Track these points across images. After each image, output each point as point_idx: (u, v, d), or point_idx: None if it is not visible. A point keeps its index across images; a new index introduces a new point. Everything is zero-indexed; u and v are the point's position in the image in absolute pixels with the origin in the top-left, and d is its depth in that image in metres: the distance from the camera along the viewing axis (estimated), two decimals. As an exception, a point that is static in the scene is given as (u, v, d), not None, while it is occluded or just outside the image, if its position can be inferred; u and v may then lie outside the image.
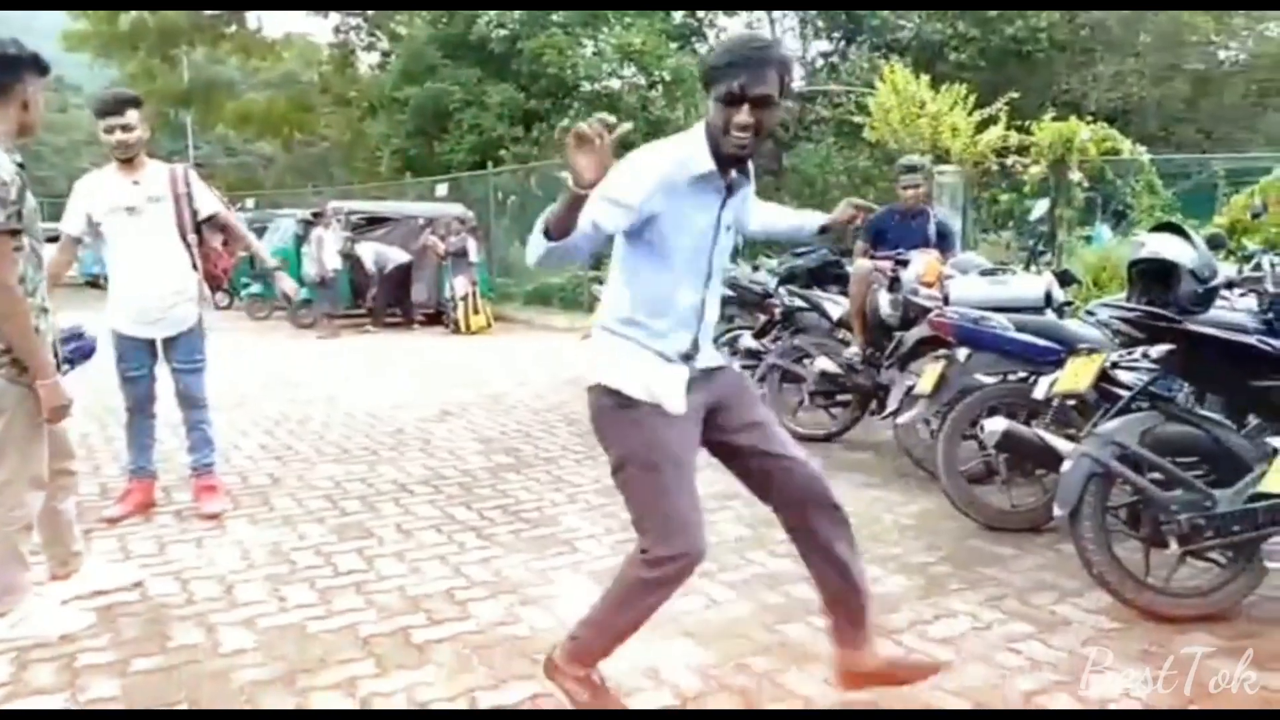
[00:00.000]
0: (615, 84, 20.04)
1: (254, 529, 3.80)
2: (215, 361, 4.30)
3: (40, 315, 2.67)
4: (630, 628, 2.24)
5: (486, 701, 2.40)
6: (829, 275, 5.86)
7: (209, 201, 3.95)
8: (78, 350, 3.34)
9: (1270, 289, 3.61)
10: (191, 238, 3.87)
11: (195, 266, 3.92)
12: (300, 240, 13.01)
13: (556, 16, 18.88)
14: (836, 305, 5.50)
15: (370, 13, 24.92)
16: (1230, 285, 3.63)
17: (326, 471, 4.73)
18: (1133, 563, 2.93)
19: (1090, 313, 3.87)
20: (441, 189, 16.33)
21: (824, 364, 5.21)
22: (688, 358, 2.14)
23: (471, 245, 12.26)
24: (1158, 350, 2.94)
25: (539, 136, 18.95)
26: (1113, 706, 2.37)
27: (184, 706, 2.37)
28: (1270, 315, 3.50)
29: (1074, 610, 2.97)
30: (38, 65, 2.66)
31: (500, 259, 15.15)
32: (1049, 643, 2.74)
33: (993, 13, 18.96)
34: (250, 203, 22.84)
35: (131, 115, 3.65)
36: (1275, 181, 6.94)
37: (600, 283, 10.06)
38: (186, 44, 26.71)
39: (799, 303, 5.72)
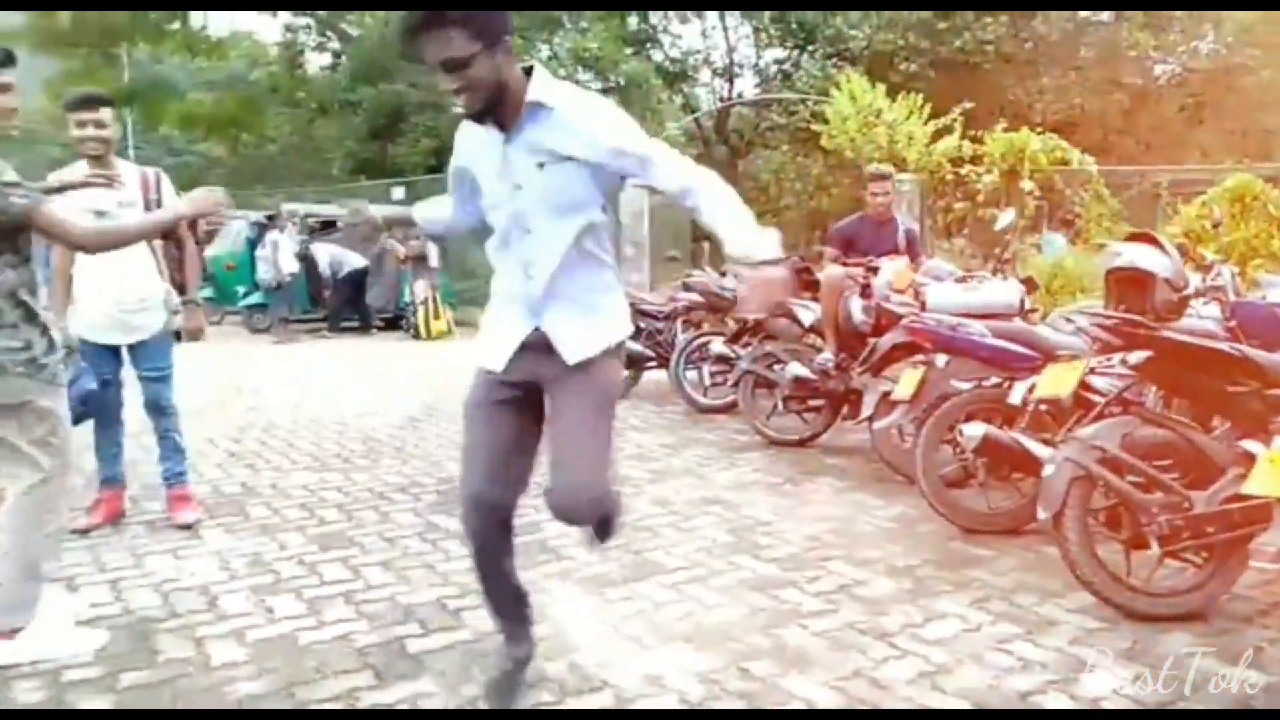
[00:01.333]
0: (571, 89, 20.01)
1: (232, 538, 3.72)
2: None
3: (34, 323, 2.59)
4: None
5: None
6: (801, 281, 5.92)
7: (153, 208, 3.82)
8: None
9: (1232, 298, 3.76)
10: (158, 243, 3.77)
11: (161, 272, 3.83)
12: (253, 244, 12.77)
13: (515, 20, 18.81)
14: (808, 311, 5.57)
15: (320, 12, 24.58)
16: (1195, 294, 3.77)
17: (300, 480, 4.65)
18: (1114, 564, 3.02)
19: (1068, 319, 3.98)
20: (398, 192, 16.13)
21: (797, 369, 5.27)
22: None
23: (431, 249, 12.13)
24: (1135, 357, 3.04)
25: (495, 140, 18.87)
26: (1105, 705, 2.45)
27: None
28: (1233, 323, 3.65)
29: (1058, 610, 3.05)
30: None
31: (460, 263, 15.02)
32: (1038, 642, 2.81)
33: (942, 24, 19.38)
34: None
35: (105, 113, 3.57)
36: (1224, 192, 7.21)
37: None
38: (128, 41, 26.01)
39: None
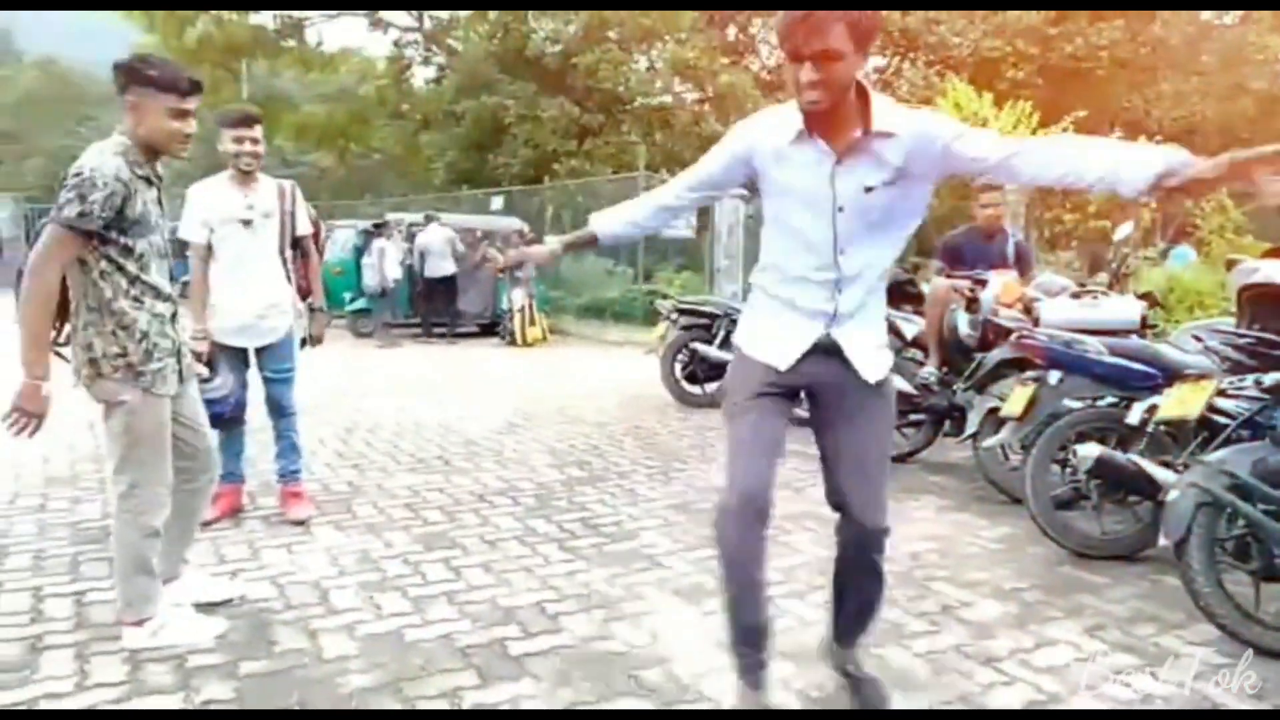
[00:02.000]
0: (668, 99, 20.16)
1: (341, 535, 3.86)
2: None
3: (163, 322, 2.74)
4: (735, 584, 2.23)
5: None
6: (903, 294, 5.80)
7: (304, 221, 4.09)
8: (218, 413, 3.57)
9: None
10: (289, 252, 3.98)
11: (290, 279, 4.03)
12: (360, 251, 13.24)
13: (611, 33, 19.06)
14: (911, 324, 5.45)
15: (427, 28, 25.38)
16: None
17: (404, 480, 4.79)
18: (1241, 595, 2.85)
19: (1197, 337, 3.79)
20: (496, 202, 16.51)
21: (899, 384, 5.15)
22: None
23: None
24: (1271, 378, 2.87)
25: (592, 150, 19.14)
26: (1232, 744, 2.31)
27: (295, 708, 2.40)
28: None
29: (1179, 643, 2.90)
30: (139, 76, 2.62)
31: (553, 272, 15.26)
32: (1158, 676, 2.67)
33: (1053, 30, 18.77)
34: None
35: (258, 130, 3.80)
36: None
37: (663, 295, 10.09)
38: (249, 58, 27.38)
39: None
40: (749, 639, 2.27)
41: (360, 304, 13.02)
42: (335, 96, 30.48)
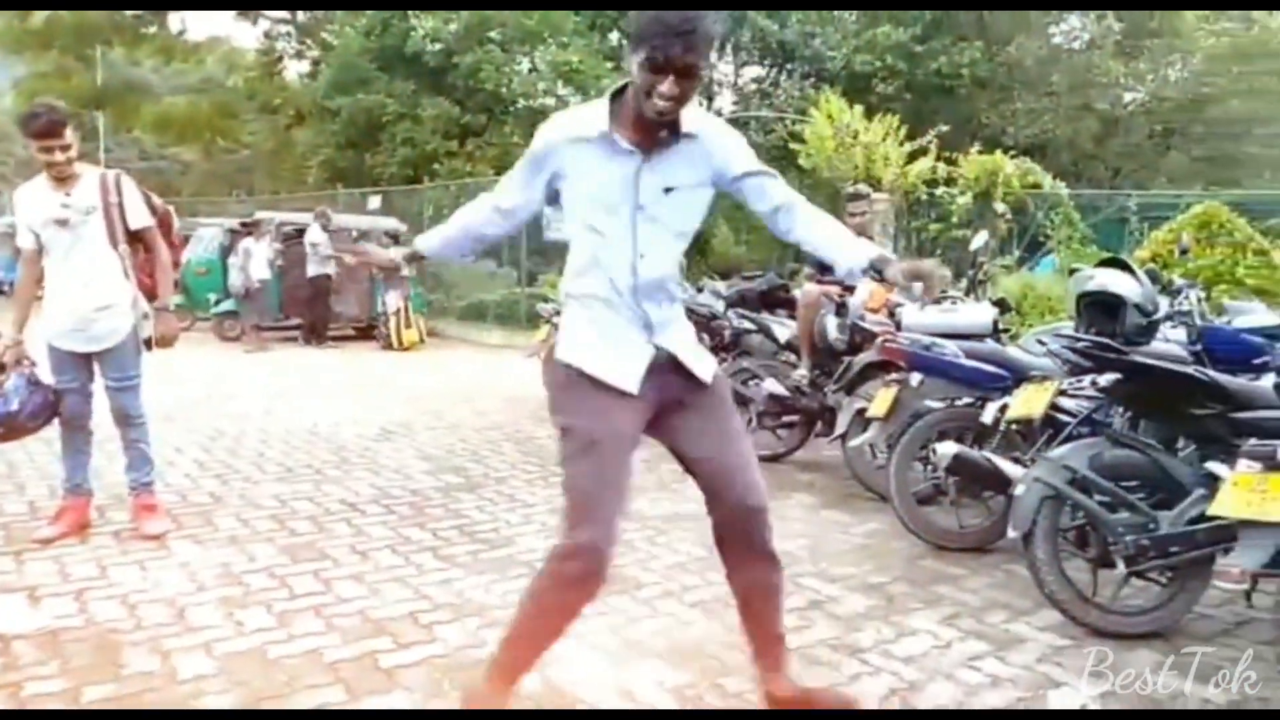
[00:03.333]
0: (550, 102, 20.09)
1: (200, 549, 3.67)
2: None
3: None
4: (547, 634, 2.17)
5: (464, 726, 2.36)
6: (777, 299, 5.97)
7: (139, 214, 3.78)
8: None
9: (1199, 323, 3.84)
10: (123, 248, 3.72)
11: (129, 276, 3.77)
12: (226, 250, 12.65)
13: (493, 33, 18.86)
14: (784, 328, 5.61)
15: (300, 19, 24.49)
16: (1163, 319, 3.84)
17: (271, 490, 4.60)
18: (1081, 582, 3.06)
19: (1041, 341, 4.04)
20: (374, 202, 16.08)
21: (772, 386, 5.30)
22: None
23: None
24: (1105, 379, 3.10)
25: (474, 151, 18.88)
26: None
27: (145, 737, 2.27)
28: (1199, 347, 3.73)
29: (1027, 628, 3.08)
30: None
31: (433, 274, 14.97)
32: (1006, 660, 2.84)
33: (919, 47, 19.67)
34: (170, 210, 22.06)
35: (68, 135, 3.53)
36: (1191, 219, 7.37)
37: (545, 299, 10.05)
38: (104, 44, 25.75)
39: (747, 325, 5.81)
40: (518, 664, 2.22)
41: (226, 306, 12.44)
42: (199, 88, 29.03)
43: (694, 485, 2.35)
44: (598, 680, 2.64)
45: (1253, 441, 2.50)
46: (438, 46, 18.59)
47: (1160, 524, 2.95)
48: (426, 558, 3.66)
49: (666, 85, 1.94)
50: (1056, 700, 2.57)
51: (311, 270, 11.95)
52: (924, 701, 2.55)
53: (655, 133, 2.07)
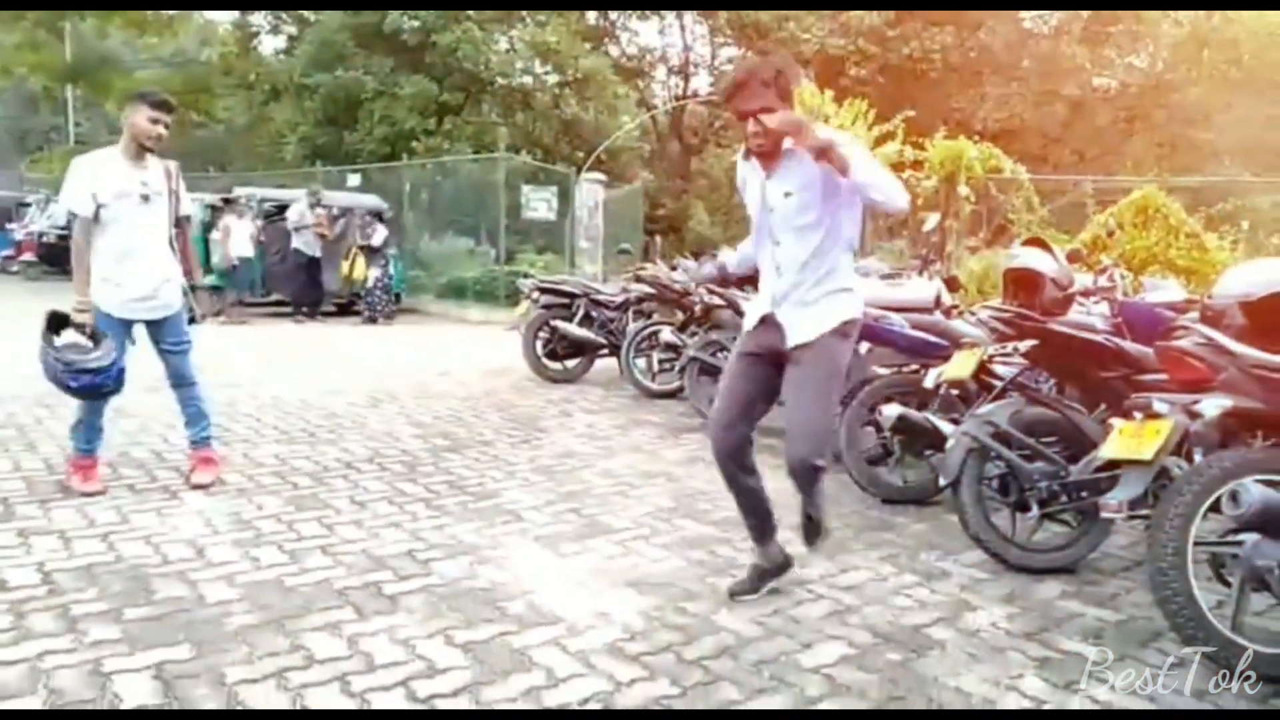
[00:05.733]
0: (528, 81, 20.28)
1: (211, 500, 4.01)
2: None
3: None
4: None
5: (462, 638, 2.73)
6: (744, 277, 6.32)
7: (186, 202, 4.23)
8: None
9: (1120, 298, 4.26)
10: (173, 230, 4.10)
11: (175, 254, 4.16)
12: (208, 226, 12.82)
13: (471, 11, 18.99)
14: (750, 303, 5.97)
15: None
16: (1086, 293, 4.26)
17: (270, 450, 4.93)
18: (1002, 525, 3.48)
19: (973, 313, 4.44)
20: (353, 179, 16.24)
21: (739, 357, 5.67)
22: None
23: (381, 235, 12.33)
24: (1026, 345, 3.50)
25: (452, 130, 19.05)
26: (983, 635, 2.89)
27: (184, 646, 2.62)
28: (1118, 319, 4.14)
29: (954, 565, 3.51)
30: None
31: (412, 251, 15.21)
32: (934, 589, 3.26)
33: (892, 32, 20.04)
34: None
35: (172, 117, 3.97)
36: (1130, 204, 7.81)
37: (525, 275, 10.34)
38: (75, 14, 25.49)
39: (716, 300, 6.18)
40: (747, 519, 3.18)
41: (210, 280, 12.62)
42: (170, 61, 28.82)
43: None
44: (578, 605, 3.02)
45: (1136, 396, 2.91)
46: (415, 24, 18.70)
47: (1070, 473, 3.37)
48: (420, 508, 4.01)
49: (749, 126, 2.73)
50: (970, 619, 2.99)
51: (297, 245, 12.17)
52: (856, 619, 2.96)
53: (767, 157, 2.81)
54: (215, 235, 12.25)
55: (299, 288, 12.53)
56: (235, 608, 2.89)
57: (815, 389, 2.87)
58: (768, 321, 2.92)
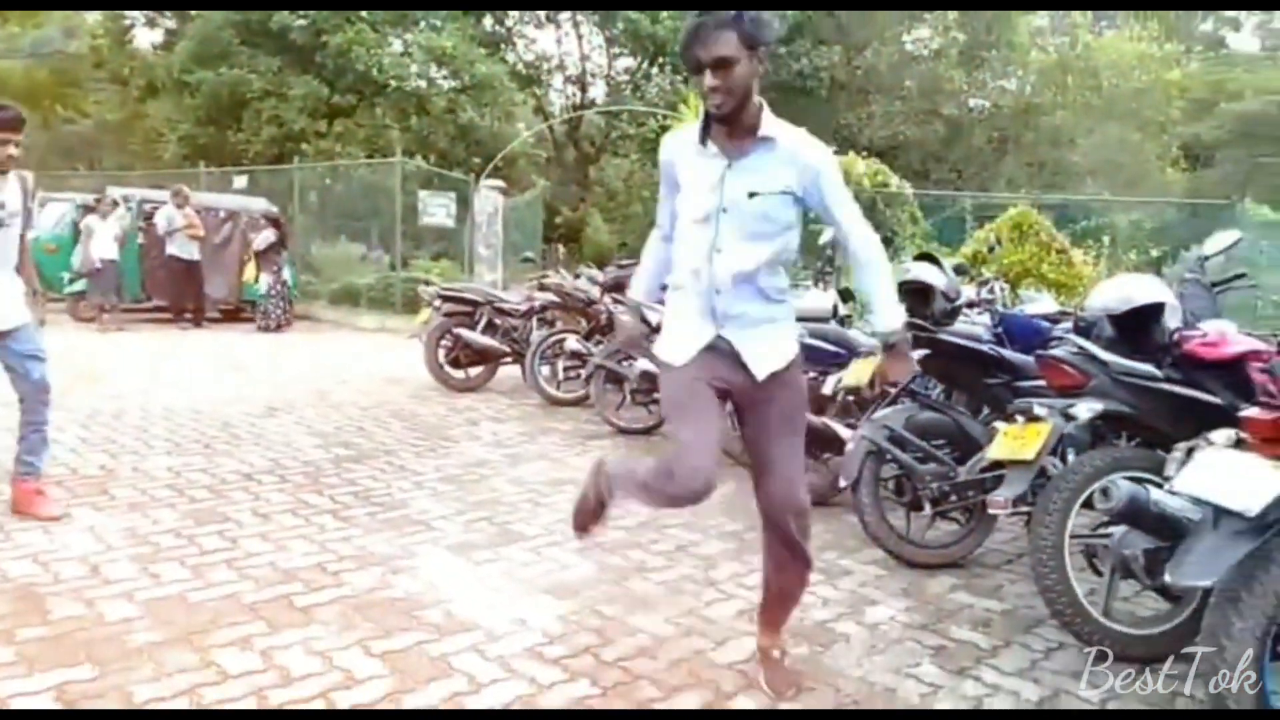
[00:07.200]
0: (423, 85, 19.98)
1: (102, 515, 3.84)
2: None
3: None
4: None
5: (379, 648, 2.72)
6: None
7: (34, 216, 4.06)
8: None
9: (1000, 309, 4.56)
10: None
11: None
12: (77, 228, 12.14)
13: (364, 12, 18.60)
14: (655, 313, 6.09)
15: (154, -14, 23.25)
16: (971, 305, 4.54)
17: (162, 463, 4.74)
18: (897, 524, 3.68)
19: (869, 323, 4.66)
20: (239, 181, 15.66)
21: (645, 365, 5.78)
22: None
23: (265, 239, 11.95)
24: (917, 354, 3.71)
25: (344, 133, 18.59)
26: (882, 629, 3.06)
27: (86, 666, 2.52)
28: (1000, 329, 4.43)
29: (853, 562, 3.69)
30: None
31: (303, 256, 14.76)
32: (836, 586, 3.42)
33: (782, 49, 20.64)
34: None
35: (20, 133, 3.67)
36: (1006, 220, 8.33)
37: (425, 282, 10.20)
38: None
39: (619, 310, 6.27)
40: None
41: (79, 285, 11.96)
42: (36, 53, 27.13)
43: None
44: (495, 612, 3.04)
45: (1018, 400, 3.15)
46: (304, 23, 18.20)
47: (959, 473, 3.60)
48: (327, 519, 3.95)
49: (707, 79, 2.19)
50: (871, 613, 3.16)
51: (171, 250, 11.66)
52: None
53: (736, 132, 2.28)
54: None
55: (178, 293, 12.01)
56: (137, 625, 2.80)
57: (796, 426, 2.48)
58: (716, 349, 2.39)
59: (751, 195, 2.29)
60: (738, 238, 2.31)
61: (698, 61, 2.22)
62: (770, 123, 2.30)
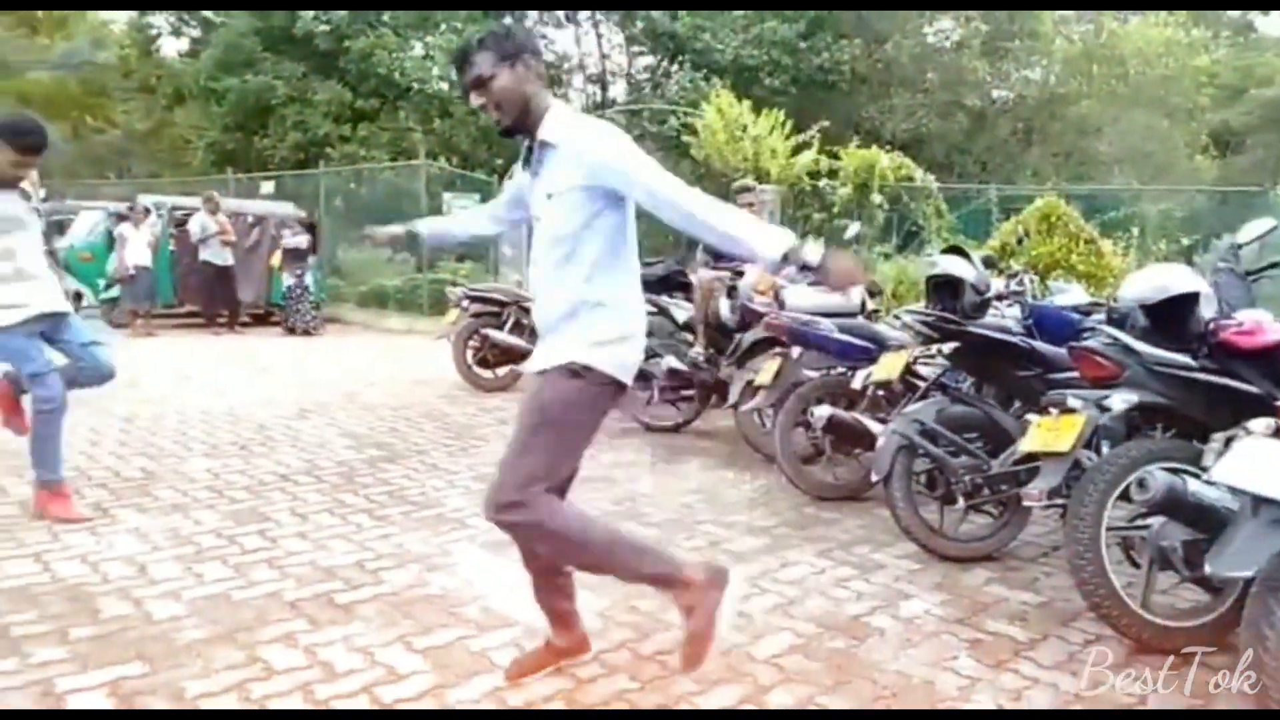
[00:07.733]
0: (444, 87, 20.10)
1: (145, 517, 3.92)
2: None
3: None
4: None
5: (420, 644, 2.77)
6: (674, 283, 6.48)
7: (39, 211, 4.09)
8: None
9: (1030, 301, 4.53)
10: None
11: None
12: (112, 236, 12.35)
13: (386, 16, 18.75)
14: (681, 310, 6.13)
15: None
16: (1000, 297, 4.51)
17: (201, 465, 4.83)
18: (930, 517, 3.68)
19: (898, 317, 4.67)
20: (266, 186, 15.85)
21: (671, 362, 5.81)
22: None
23: (304, 239, 12.11)
24: (948, 347, 3.71)
25: (368, 137, 18.75)
26: (918, 623, 3.06)
27: (136, 663, 2.58)
28: (1030, 321, 4.41)
29: (887, 556, 3.69)
30: None
31: (330, 259, 14.91)
32: (869, 580, 3.43)
33: (803, 43, 20.57)
34: (42, 193, 21.00)
35: (41, 157, 3.77)
36: (1034, 212, 8.27)
37: (452, 283, 10.29)
38: (-41, 14, 24.20)
39: (647, 307, 6.30)
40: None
41: (113, 292, 12.18)
42: (65, 64, 27.56)
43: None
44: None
45: (1052, 393, 3.14)
46: (327, 28, 18.37)
47: (992, 466, 3.59)
48: (363, 518, 4.01)
49: (473, 100, 2.29)
50: (906, 607, 3.17)
51: (205, 256, 11.84)
52: (799, 611, 3.10)
53: (534, 148, 2.32)
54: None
55: (211, 298, 12.19)
56: (185, 623, 2.86)
57: (537, 426, 2.30)
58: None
59: (549, 197, 2.29)
60: (546, 245, 2.32)
61: (465, 88, 2.32)
62: (551, 125, 2.29)
